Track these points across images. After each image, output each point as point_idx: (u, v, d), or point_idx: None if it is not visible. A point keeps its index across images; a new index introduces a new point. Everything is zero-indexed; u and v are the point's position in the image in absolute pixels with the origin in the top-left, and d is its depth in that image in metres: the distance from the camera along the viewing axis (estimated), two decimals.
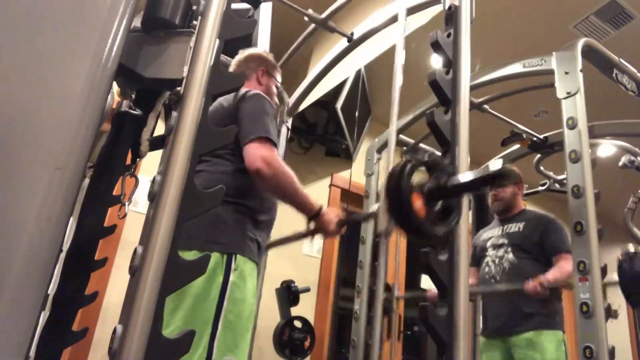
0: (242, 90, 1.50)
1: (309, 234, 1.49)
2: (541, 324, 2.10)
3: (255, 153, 1.35)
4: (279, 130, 2.46)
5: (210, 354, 1.22)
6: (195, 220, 1.29)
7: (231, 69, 1.70)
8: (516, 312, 2.16)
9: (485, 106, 2.40)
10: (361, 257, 2.43)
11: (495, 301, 2.26)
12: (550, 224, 2.27)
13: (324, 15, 2.04)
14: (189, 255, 1.27)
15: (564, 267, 2.10)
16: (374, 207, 1.11)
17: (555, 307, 2.17)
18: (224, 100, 1.51)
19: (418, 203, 0.88)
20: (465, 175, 0.97)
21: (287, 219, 1.61)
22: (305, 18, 2.04)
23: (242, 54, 1.72)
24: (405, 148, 2.84)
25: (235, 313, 1.29)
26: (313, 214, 1.43)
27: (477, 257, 2.43)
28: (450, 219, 0.94)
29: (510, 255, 2.27)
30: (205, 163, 1.44)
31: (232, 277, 1.30)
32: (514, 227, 2.34)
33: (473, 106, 2.38)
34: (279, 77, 1.74)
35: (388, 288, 2.55)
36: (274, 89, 1.72)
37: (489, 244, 2.40)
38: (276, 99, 1.75)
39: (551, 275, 2.05)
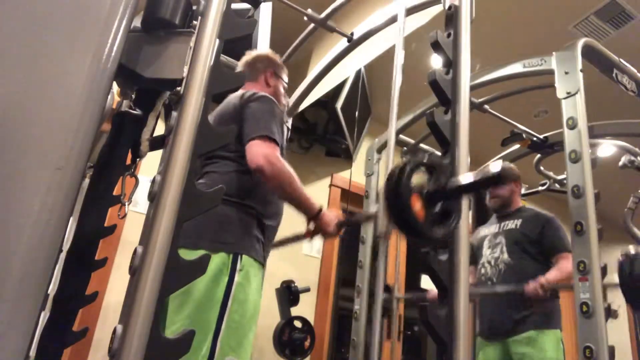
0: (249, 92, 1.51)
1: (308, 234, 1.49)
2: (540, 324, 2.10)
3: (257, 151, 1.36)
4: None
5: (212, 353, 1.22)
6: (202, 220, 1.31)
7: (238, 70, 1.71)
8: (513, 314, 2.15)
9: (486, 106, 2.40)
10: (361, 257, 2.43)
11: (492, 303, 2.25)
12: (548, 222, 2.26)
13: (323, 15, 2.04)
14: (196, 254, 1.27)
15: (564, 266, 2.10)
16: (373, 208, 1.11)
17: (553, 306, 2.16)
18: (232, 102, 1.51)
19: (417, 205, 0.88)
20: (465, 177, 0.96)
21: (287, 223, 1.60)
22: (305, 18, 2.04)
23: (250, 55, 1.73)
24: (405, 148, 2.84)
25: (239, 313, 1.29)
26: (313, 215, 1.43)
27: (475, 255, 2.43)
28: (450, 221, 0.93)
29: (506, 256, 2.26)
30: (213, 164, 1.45)
31: (237, 278, 1.30)
32: (511, 223, 2.33)
33: (473, 106, 2.37)
34: (285, 77, 1.75)
35: (388, 289, 2.55)
36: (282, 90, 1.72)
37: (485, 241, 2.39)
38: (284, 100, 1.75)
39: (552, 275, 2.04)
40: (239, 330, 1.29)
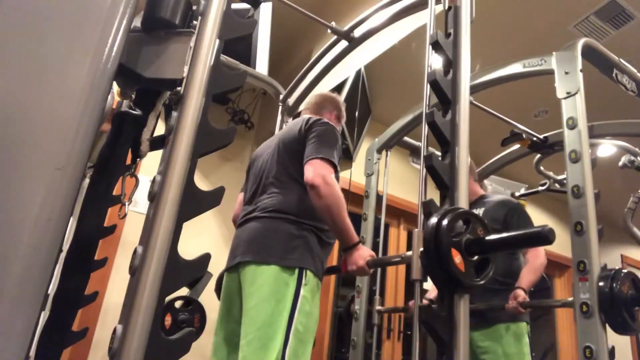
0: (316, 118, 1.58)
1: (344, 268, 1.49)
2: (505, 317, 2.04)
3: (315, 169, 1.42)
4: None
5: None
6: (271, 237, 1.41)
7: (309, 99, 1.79)
8: (479, 306, 2.08)
9: (485, 107, 2.40)
10: None
11: None
12: (512, 209, 2.20)
13: (323, 15, 2.04)
14: (267, 269, 1.36)
15: (534, 263, 2.07)
16: (407, 253, 1.11)
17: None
18: (297, 125, 1.58)
19: (457, 258, 0.92)
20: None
21: None
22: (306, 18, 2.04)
23: (324, 92, 1.82)
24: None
25: (303, 325, 1.35)
26: (351, 245, 1.45)
27: None
28: (487, 270, 0.96)
29: None
30: (280, 186, 1.51)
31: (302, 291, 1.37)
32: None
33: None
34: (342, 124, 1.83)
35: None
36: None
37: None
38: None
39: (525, 282, 2.01)
40: (302, 340, 1.34)
